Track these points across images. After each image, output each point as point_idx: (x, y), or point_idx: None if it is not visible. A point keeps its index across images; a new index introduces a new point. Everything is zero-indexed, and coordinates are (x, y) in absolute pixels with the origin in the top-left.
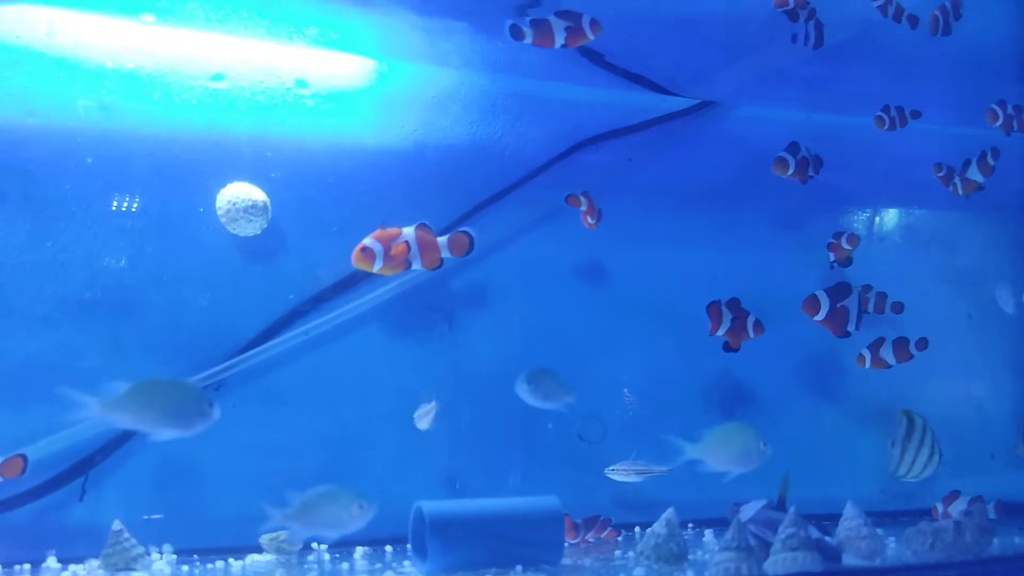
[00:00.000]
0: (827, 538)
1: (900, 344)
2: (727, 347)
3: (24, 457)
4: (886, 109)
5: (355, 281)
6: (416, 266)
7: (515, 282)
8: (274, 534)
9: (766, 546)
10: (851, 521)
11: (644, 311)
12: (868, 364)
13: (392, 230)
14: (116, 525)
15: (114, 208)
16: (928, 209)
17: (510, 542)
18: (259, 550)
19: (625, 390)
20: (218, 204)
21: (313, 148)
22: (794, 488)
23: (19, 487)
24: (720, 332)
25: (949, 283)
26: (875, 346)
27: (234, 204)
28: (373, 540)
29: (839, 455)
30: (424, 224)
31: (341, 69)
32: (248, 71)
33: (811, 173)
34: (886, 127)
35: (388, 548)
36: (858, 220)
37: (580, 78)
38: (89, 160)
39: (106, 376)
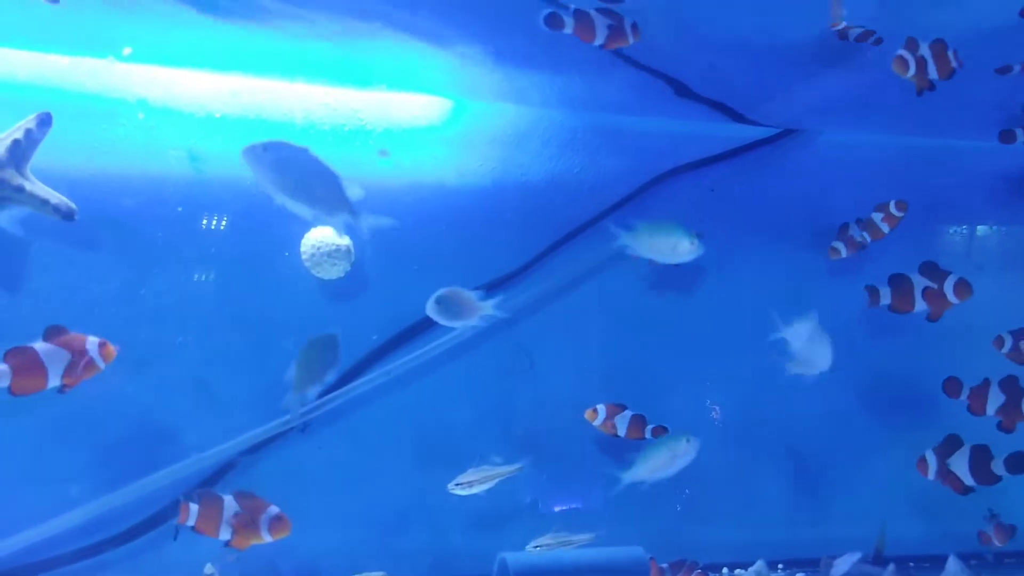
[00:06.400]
0: None
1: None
2: (1000, 426)
3: None
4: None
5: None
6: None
7: (595, 316)
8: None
9: None
10: None
11: (726, 343)
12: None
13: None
14: (208, 568)
15: (202, 254)
16: None
17: None
18: None
19: (713, 410)
20: (302, 248)
21: (393, 189)
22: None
23: (115, 528)
24: (990, 411)
25: None
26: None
27: (318, 248)
28: None
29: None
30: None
31: (419, 110)
32: (330, 115)
33: None
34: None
35: None
36: (952, 245)
37: (660, 110)
38: (179, 208)
39: (194, 417)
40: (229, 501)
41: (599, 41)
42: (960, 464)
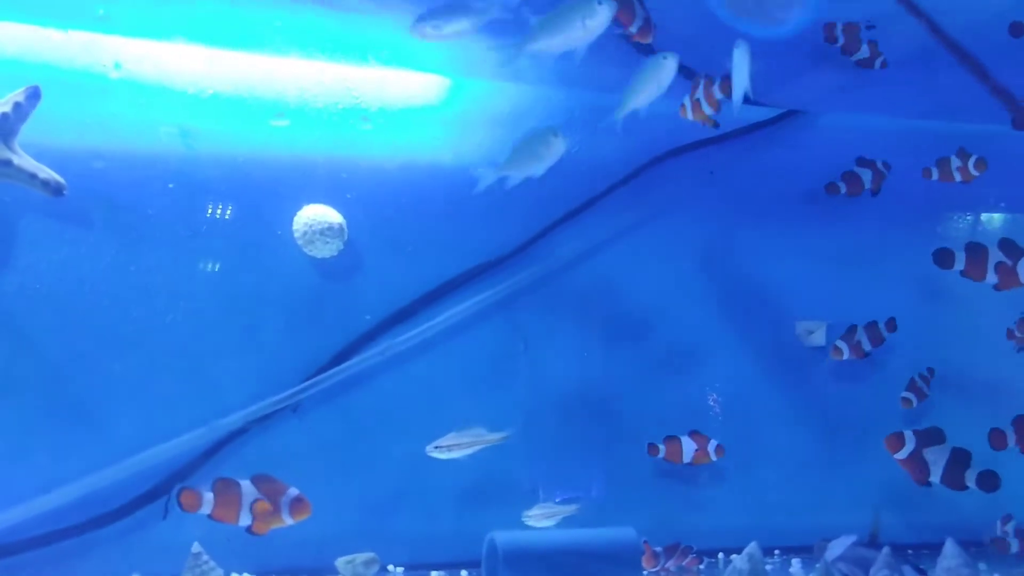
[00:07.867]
0: None
1: None
2: None
3: None
4: None
5: (430, 301)
6: None
7: (594, 298)
8: (350, 557)
9: None
10: (950, 560)
11: (726, 326)
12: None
13: None
14: (195, 547)
15: (194, 232)
16: None
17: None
18: (335, 572)
19: (711, 397)
20: (295, 227)
21: (388, 168)
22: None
23: (103, 507)
24: None
25: None
26: None
27: (310, 226)
28: (449, 564)
29: None
30: None
31: (415, 88)
32: (323, 93)
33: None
34: None
35: (463, 572)
36: (958, 229)
37: None
38: (171, 185)
39: (185, 395)
40: (247, 486)
41: (634, 28)
42: (937, 459)
